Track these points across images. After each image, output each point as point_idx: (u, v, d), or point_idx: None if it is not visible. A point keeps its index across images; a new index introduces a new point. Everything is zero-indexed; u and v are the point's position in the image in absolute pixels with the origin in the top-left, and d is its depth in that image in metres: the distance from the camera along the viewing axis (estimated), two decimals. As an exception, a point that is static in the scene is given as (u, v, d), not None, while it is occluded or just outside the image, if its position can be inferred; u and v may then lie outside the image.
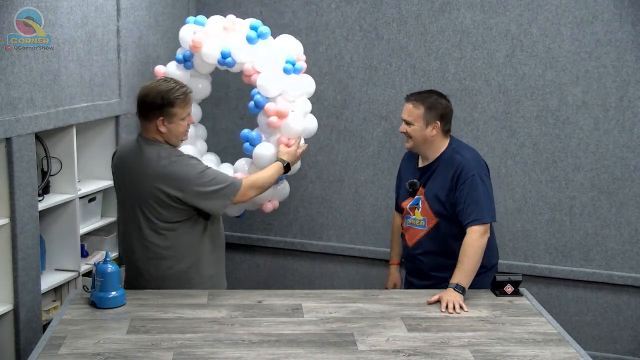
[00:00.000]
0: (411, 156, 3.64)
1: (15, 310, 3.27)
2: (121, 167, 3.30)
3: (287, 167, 3.64)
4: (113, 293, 3.04)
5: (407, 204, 3.55)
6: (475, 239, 3.29)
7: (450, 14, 4.27)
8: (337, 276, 4.75)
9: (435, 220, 3.44)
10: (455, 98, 4.34)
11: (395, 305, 3.15)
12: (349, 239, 4.69)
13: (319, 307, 3.10)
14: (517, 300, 3.25)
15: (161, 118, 3.17)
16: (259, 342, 2.75)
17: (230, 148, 4.81)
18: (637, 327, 4.28)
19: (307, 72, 4.57)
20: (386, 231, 4.61)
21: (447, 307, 3.12)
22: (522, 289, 3.34)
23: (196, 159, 3.28)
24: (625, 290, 4.25)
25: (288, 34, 4.57)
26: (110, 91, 3.83)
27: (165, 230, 3.23)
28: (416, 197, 3.51)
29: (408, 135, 3.49)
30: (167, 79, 3.30)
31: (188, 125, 3.27)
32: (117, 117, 3.90)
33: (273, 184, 3.62)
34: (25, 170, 3.24)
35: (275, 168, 3.58)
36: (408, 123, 3.48)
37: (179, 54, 3.98)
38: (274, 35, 4.61)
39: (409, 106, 3.49)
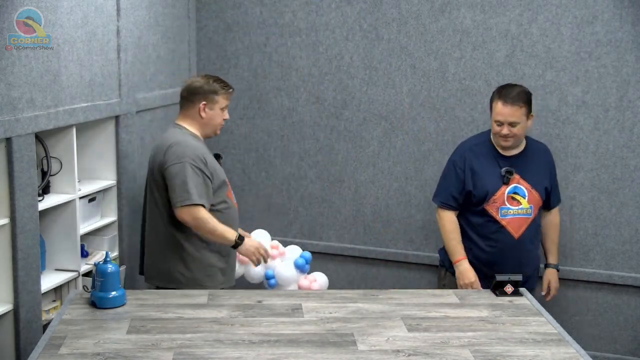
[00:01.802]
0: (479, 146, 3.71)
1: (15, 310, 3.27)
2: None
3: (237, 244, 3.46)
4: (113, 293, 3.04)
5: (502, 193, 3.57)
6: (558, 217, 3.75)
7: (450, 14, 4.27)
8: (337, 276, 4.75)
9: (539, 206, 3.64)
10: (455, 98, 4.35)
11: (395, 305, 3.15)
12: (349, 239, 4.69)
13: (319, 307, 3.10)
14: (517, 300, 3.25)
15: (204, 102, 3.52)
16: (259, 342, 2.75)
17: (230, 148, 4.82)
18: (637, 327, 4.28)
19: (307, 72, 4.59)
20: (386, 231, 4.61)
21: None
22: (522, 289, 3.34)
23: (195, 165, 3.40)
24: (625, 290, 4.25)
25: (288, 34, 4.58)
26: (110, 91, 3.83)
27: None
28: (515, 185, 3.56)
29: (510, 135, 3.56)
30: (211, 74, 3.66)
31: (223, 119, 3.60)
32: (117, 117, 3.90)
33: (212, 238, 3.45)
34: (25, 170, 3.24)
35: (227, 234, 3.43)
36: (512, 124, 3.53)
37: None
38: (272, 36, 4.63)
39: (510, 108, 3.55)
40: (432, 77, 4.37)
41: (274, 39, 4.61)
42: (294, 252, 4.28)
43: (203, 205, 3.38)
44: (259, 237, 4.20)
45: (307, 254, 4.25)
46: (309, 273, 4.27)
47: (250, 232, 4.11)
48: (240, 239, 3.48)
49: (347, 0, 4.44)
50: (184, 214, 3.37)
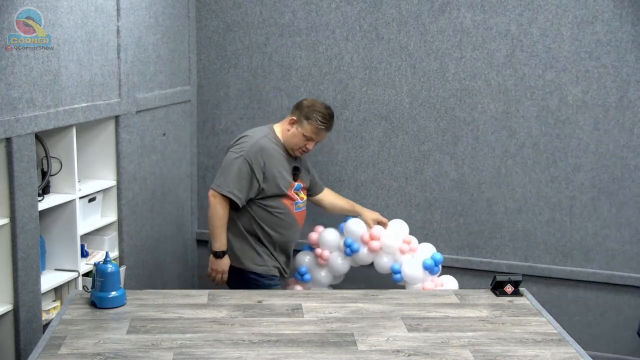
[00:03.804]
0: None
1: (15, 310, 3.27)
2: None
3: (215, 253, 3.74)
4: (113, 293, 3.04)
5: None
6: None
7: (450, 14, 4.27)
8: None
9: None
10: (455, 98, 4.35)
11: (395, 305, 3.15)
12: (349, 239, 4.68)
13: (319, 307, 3.11)
14: (517, 300, 3.25)
15: (294, 118, 3.75)
16: (259, 342, 2.75)
17: (230, 148, 4.81)
18: (637, 327, 4.28)
19: (307, 72, 4.59)
20: (386, 231, 4.61)
21: None
22: (522, 289, 3.34)
23: (249, 162, 3.63)
24: (625, 290, 4.25)
25: (288, 34, 4.58)
26: (110, 91, 3.83)
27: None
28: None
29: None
30: (329, 108, 3.83)
31: (306, 146, 3.77)
32: (117, 117, 3.90)
33: (209, 229, 3.76)
34: (25, 170, 3.24)
35: (216, 240, 3.71)
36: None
37: (348, 238, 4.10)
38: (272, 36, 4.62)
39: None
40: (432, 77, 4.37)
41: (274, 39, 4.61)
42: (426, 251, 4.08)
43: (228, 198, 3.63)
44: (396, 227, 4.11)
45: (439, 256, 4.04)
46: (439, 275, 4.09)
47: (390, 220, 4.13)
48: (219, 254, 3.72)
49: (347, 0, 4.44)
50: (210, 195, 3.68)
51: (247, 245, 3.77)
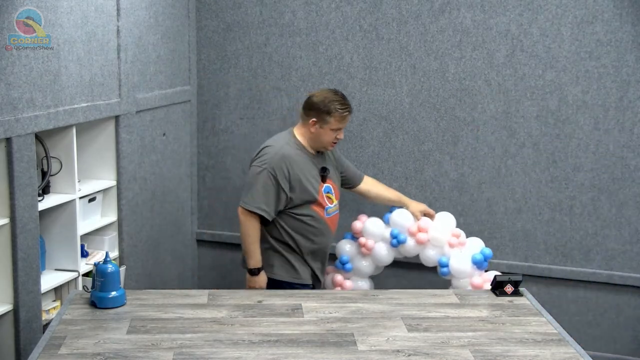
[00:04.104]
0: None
1: (15, 310, 3.27)
2: None
3: (250, 271, 3.66)
4: (113, 293, 3.04)
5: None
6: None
7: (450, 14, 4.27)
8: (337, 276, 4.74)
9: None
10: (455, 98, 4.35)
11: (395, 305, 3.15)
12: (349, 239, 4.68)
13: (319, 307, 3.11)
14: (517, 300, 3.25)
15: (314, 120, 3.60)
16: (259, 342, 2.75)
17: (230, 148, 4.82)
18: (637, 327, 4.28)
19: (307, 72, 4.59)
20: (386, 231, 4.61)
21: None
22: (522, 289, 3.34)
23: (273, 174, 3.54)
24: (625, 290, 4.25)
25: (288, 34, 4.58)
26: (110, 91, 3.83)
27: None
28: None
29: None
30: (337, 92, 3.67)
31: (336, 138, 3.64)
32: (117, 117, 3.90)
33: (243, 245, 3.67)
34: (25, 170, 3.24)
35: (251, 257, 3.63)
36: None
37: (394, 229, 4.01)
38: (272, 36, 4.62)
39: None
40: (432, 77, 4.37)
41: (274, 39, 4.61)
42: (475, 245, 3.97)
43: (257, 214, 3.56)
44: (443, 220, 4.02)
45: (488, 251, 3.91)
46: (486, 271, 3.96)
47: (436, 212, 4.07)
48: (255, 271, 3.62)
49: (347, 0, 4.44)
50: (239, 212, 3.60)
51: (279, 255, 3.69)
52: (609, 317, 4.30)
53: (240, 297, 3.21)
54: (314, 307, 3.11)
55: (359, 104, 4.52)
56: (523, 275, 3.50)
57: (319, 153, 3.73)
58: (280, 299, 3.20)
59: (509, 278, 3.32)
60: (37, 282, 3.39)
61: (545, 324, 3.00)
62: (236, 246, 4.91)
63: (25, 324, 3.31)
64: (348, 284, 4.11)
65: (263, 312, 3.03)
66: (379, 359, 2.65)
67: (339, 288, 4.07)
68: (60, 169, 3.60)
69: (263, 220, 3.62)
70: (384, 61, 4.44)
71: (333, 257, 4.20)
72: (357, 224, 4.13)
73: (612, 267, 4.24)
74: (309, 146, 3.68)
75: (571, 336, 2.95)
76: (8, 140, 3.15)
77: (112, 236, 3.98)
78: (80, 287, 3.68)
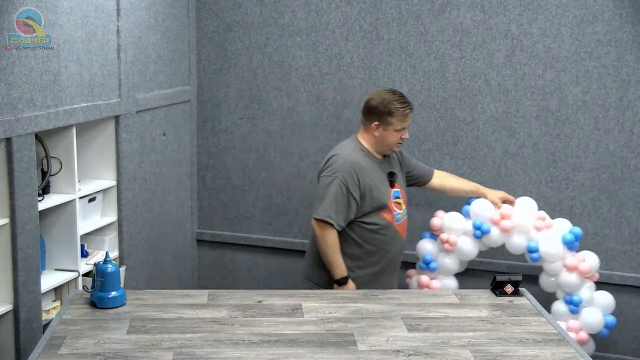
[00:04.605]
0: None
1: (15, 310, 3.27)
2: None
3: (338, 282, 3.55)
4: (113, 293, 3.04)
5: None
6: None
7: (450, 14, 4.27)
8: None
9: None
10: (455, 98, 4.35)
11: (395, 305, 3.15)
12: (349, 239, 4.68)
13: (319, 307, 3.10)
14: (517, 300, 3.25)
15: (377, 123, 3.53)
16: (259, 342, 2.75)
17: (230, 148, 4.82)
18: (637, 327, 4.28)
19: (307, 72, 4.59)
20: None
21: None
22: (522, 289, 3.34)
23: (344, 183, 3.47)
24: (625, 290, 4.25)
25: (288, 34, 4.58)
26: (110, 91, 3.83)
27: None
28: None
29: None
30: (395, 91, 3.59)
31: (401, 138, 3.57)
32: (117, 117, 3.90)
33: (324, 258, 3.56)
34: (25, 170, 3.24)
35: (336, 268, 3.53)
36: None
37: (476, 220, 3.93)
38: (272, 36, 4.62)
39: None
40: (432, 77, 4.37)
41: (274, 39, 4.61)
42: (563, 226, 3.88)
43: (332, 225, 3.48)
44: (524, 205, 3.93)
45: (578, 230, 3.82)
46: (577, 251, 3.89)
47: (516, 197, 4.01)
48: (342, 281, 3.53)
49: (347, 0, 4.44)
50: (314, 224, 3.54)
51: (351, 270, 3.58)
52: (609, 317, 4.30)
53: (240, 297, 3.21)
54: (314, 307, 3.11)
55: (359, 104, 4.52)
56: (523, 275, 3.49)
57: (385, 157, 3.66)
58: (280, 299, 3.20)
59: (509, 278, 3.32)
60: (37, 282, 3.39)
61: (545, 324, 3.00)
62: (236, 246, 4.92)
63: (25, 324, 3.31)
64: (435, 284, 4.02)
65: (263, 312, 3.03)
66: (379, 359, 2.65)
67: (427, 290, 3.95)
68: (60, 169, 3.60)
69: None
70: (384, 61, 4.44)
71: (414, 258, 4.18)
72: (436, 221, 4.03)
73: (612, 267, 4.24)
74: (375, 151, 3.62)
75: (571, 336, 2.94)
76: (8, 140, 3.15)
77: (112, 236, 3.98)
78: (80, 287, 3.68)
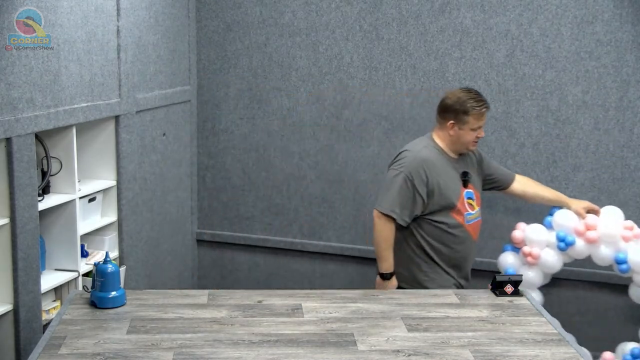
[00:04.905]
0: None
1: (15, 310, 3.27)
2: None
3: (382, 275, 3.56)
4: (113, 293, 3.04)
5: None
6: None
7: (450, 14, 4.27)
8: (337, 276, 4.75)
9: None
10: (455, 98, 4.35)
11: (395, 305, 3.15)
12: (349, 239, 4.69)
13: (319, 307, 3.10)
14: (517, 300, 3.25)
15: (452, 122, 3.49)
16: (259, 342, 2.75)
17: (230, 148, 4.82)
18: (637, 327, 4.28)
19: (307, 72, 4.59)
20: (386, 231, 4.61)
21: None
22: (522, 289, 3.34)
23: (410, 178, 3.44)
24: (625, 290, 4.25)
25: (288, 34, 4.58)
26: (110, 91, 3.83)
27: None
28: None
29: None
30: (470, 90, 3.57)
31: (477, 137, 3.52)
32: (117, 117, 3.90)
33: (375, 250, 3.58)
34: (25, 170, 3.24)
35: (383, 261, 3.53)
36: None
37: (560, 232, 3.80)
38: (272, 36, 4.62)
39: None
40: (432, 77, 4.37)
41: (274, 39, 4.61)
42: None
43: (394, 219, 3.46)
44: (610, 214, 3.79)
45: None
46: None
47: (601, 207, 3.88)
48: (387, 276, 3.54)
49: (347, 0, 4.44)
50: (375, 215, 3.51)
51: (416, 267, 3.57)
52: (609, 317, 4.29)
53: (240, 297, 3.21)
54: (314, 307, 3.11)
55: (359, 104, 4.53)
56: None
57: (460, 156, 3.61)
58: (280, 299, 3.20)
59: (509, 278, 3.32)
60: (37, 282, 3.39)
61: (545, 324, 3.00)
62: (236, 246, 4.92)
63: (25, 324, 3.31)
64: None
65: (263, 312, 3.03)
66: (379, 359, 2.65)
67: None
68: (60, 169, 3.60)
69: (399, 226, 3.52)
70: (384, 61, 4.44)
71: (493, 269, 4.07)
72: (517, 233, 3.88)
73: (612, 267, 4.23)
74: (450, 149, 3.57)
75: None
76: (8, 140, 3.15)
77: (112, 236, 3.98)
78: (80, 287, 3.68)
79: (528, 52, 4.19)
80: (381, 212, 3.48)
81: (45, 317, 3.48)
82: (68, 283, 3.66)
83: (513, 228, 3.93)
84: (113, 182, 3.96)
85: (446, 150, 3.57)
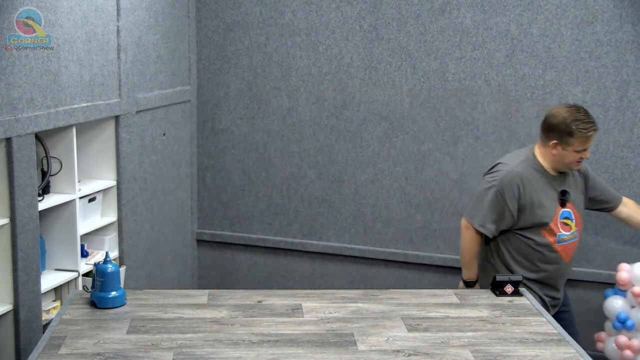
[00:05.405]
0: None
1: (15, 310, 3.27)
2: None
3: (465, 282, 3.56)
4: (113, 293, 3.04)
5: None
6: None
7: (450, 14, 4.27)
8: (337, 276, 4.75)
9: None
10: (455, 98, 4.35)
11: (395, 305, 3.15)
12: (349, 239, 4.69)
13: (319, 307, 3.10)
14: (517, 300, 3.25)
15: (555, 142, 3.33)
16: (259, 342, 2.75)
17: (230, 148, 4.82)
18: (637, 327, 4.28)
19: (307, 72, 4.59)
20: (386, 231, 4.61)
21: None
22: (522, 289, 3.34)
23: (501, 193, 3.36)
24: (625, 290, 4.25)
25: (288, 34, 4.58)
26: (110, 91, 3.83)
27: None
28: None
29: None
30: (579, 109, 3.36)
31: (581, 157, 3.35)
32: (117, 117, 3.90)
33: (460, 258, 3.57)
34: (25, 170, 3.24)
35: (466, 268, 3.53)
36: None
37: None
38: (272, 36, 4.62)
39: None
40: (432, 77, 4.37)
41: (274, 39, 4.61)
42: None
43: (475, 228, 3.43)
44: None
45: None
46: None
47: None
48: (470, 284, 3.52)
49: (347, 0, 4.44)
50: (462, 223, 3.50)
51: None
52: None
53: (240, 297, 3.21)
54: (314, 307, 3.11)
55: (359, 104, 4.53)
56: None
57: (562, 174, 3.44)
58: (280, 299, 3.19)
59: (509, 278, 3.31)
60: (37, 282, 3.39)
61: (545, 324, 3.00)
62: (236, 246, 4.92)
63: (25, 324, 3.31)
64: (636, 343, 3.64)
65: (263, 312, 3.03)
66: (379, 359, 2.65)
67: (628, 351, 3.66)
68: (60, 169, 3.60)
69: (486, 237, 3.48)
70: (384, 61, 4.44)
71: (601, 317, 3.88)
72: (623, 275, 3.71)
73: (612, 267, 4.23)
74: (551, 168, 3.41)
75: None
76: (8, 140, 3.15)
77: (112, 236, 3.98)
78: (80, 287, 3.68)
79: (528, 52, 4.19)
80: (470, 224, 3.45)
81: (45, 317, 3.48)
82: (68, 283, 3.66)
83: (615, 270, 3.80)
84: (113, 182, 3.97)
85: (546, 168, 3.41)
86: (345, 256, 4.72)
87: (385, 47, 4.42)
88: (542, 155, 3.42)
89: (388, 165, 4.53)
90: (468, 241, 3.47)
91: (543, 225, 3.38)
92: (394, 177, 4.54)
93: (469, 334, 2.87)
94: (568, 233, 3.44)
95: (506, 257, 3.48)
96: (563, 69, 4.15)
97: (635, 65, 4.04)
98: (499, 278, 3.32)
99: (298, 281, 4.82)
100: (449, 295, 3.31)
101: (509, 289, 3.30)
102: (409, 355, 2.68)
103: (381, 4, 4.38)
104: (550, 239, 3.40)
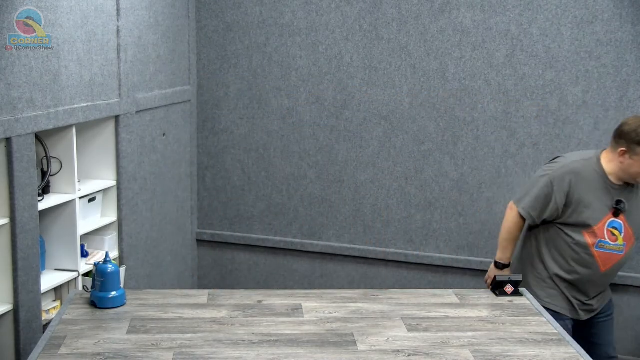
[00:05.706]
0: None
1: (15, 310, 3.27)
2: None
3: (496, 263, 3.54)
4: (113, 293, 3.04)
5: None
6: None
7: (450, 14, 4.27)
8: (337, 276, 4.75)
9: None
10: (455, 98, 4.35)
11: (395, 305, 3.15)
12: (349, 239, 4.69)
13: (319, 307, 3.10)
14: (517, 300, 3.25)
15: (623, 149, 3.26)
16: (259, 342, 2.75)
17: (230, 148, 4.82)
18: (637, 327, 4.28)
19: (307, 72, 4.59)
20: (386, 231, 4.61)
21: None
22: (522, 289, 3.34)
23: (553, 183, 3.34)
24: (625, 290, 4.25)
25: (288, 34, 4.58)
26: (110, 91, 3.83)
27: None
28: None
29: None
30: None
31: None
32: (117, 117, 3.90)
33: (505, 231, 3.52)
34: (25, 170, 3.24)
35: (500, 250, 3.52)
36: None
37: None
38: (272, 36, 4.62)
39: None
40: (432, 77, 4.37)
41: (274, 39, 4.61)
42: None
43: (521, 214, 3.42)
44: None
45: None
46: None
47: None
48: (500, 265, 3.51)
49: (347, 0, 4.44)
50: (509, 206, 3.51)
51: (530, 267, 3.50)
52: (609, 317, 4.29)
53: (240, 297, 3.21)
54: (314, 307, 3.11)
55: (359, 104, 4.53)
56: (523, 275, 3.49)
57: (625, 184, 3.35)
58: (280, 299, 3.20)
59: (509, 278, 3.32)
60: (37, 282, 3.39)
61: (545, 324, 3.00)
62: (236, 246, 4.92)
63: (25, 324, 3.31)
64: None
65: (263, 312, 3.03)
66: (379, 359, 2.65)
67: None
68: (60, 169, 3.60)
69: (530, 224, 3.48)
70: (384, 61, 4.44)
71: None
72: None
73: (612, 267, 4.23)
74: (616, 177, 3.32)
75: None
76: (8, 140, 3.15)
77: (112, 236, 3.98)
78: (80, 287, 3.68)
79: (528, 52, 4.19)
80: (515, 207, 3.46)
81: (45, 317, 3.48)
82: (68, 283, 3.66)
83: None
84: (113, 182, 3.97)
85: (609, 174, 3.33)
86: (345, 256, 4.72)
87: (385, 47, 4.42)
88: (608, 160, 3.34)
89: (388, 165, 4.53)
90: (509, 222, 3.47)
91: (586, 227, 3.34)
92: (394, 177, 4.54)
93: (469, 334, 2.87)
94: (612, 243, 3.35)
95: (542, 248, 3.46)
96: (563, 69, 4.15)
97: (635, 65, 4.04)
98: (499, 278, 3.32)
99: (298, 281, 4.82)
100: (449, 295, 3.31)
101: (509, 289, 3.30)
102: (409, 355, 2.68)
103: (381, 4, 4.38)
104: (590, 241, 3.34)
